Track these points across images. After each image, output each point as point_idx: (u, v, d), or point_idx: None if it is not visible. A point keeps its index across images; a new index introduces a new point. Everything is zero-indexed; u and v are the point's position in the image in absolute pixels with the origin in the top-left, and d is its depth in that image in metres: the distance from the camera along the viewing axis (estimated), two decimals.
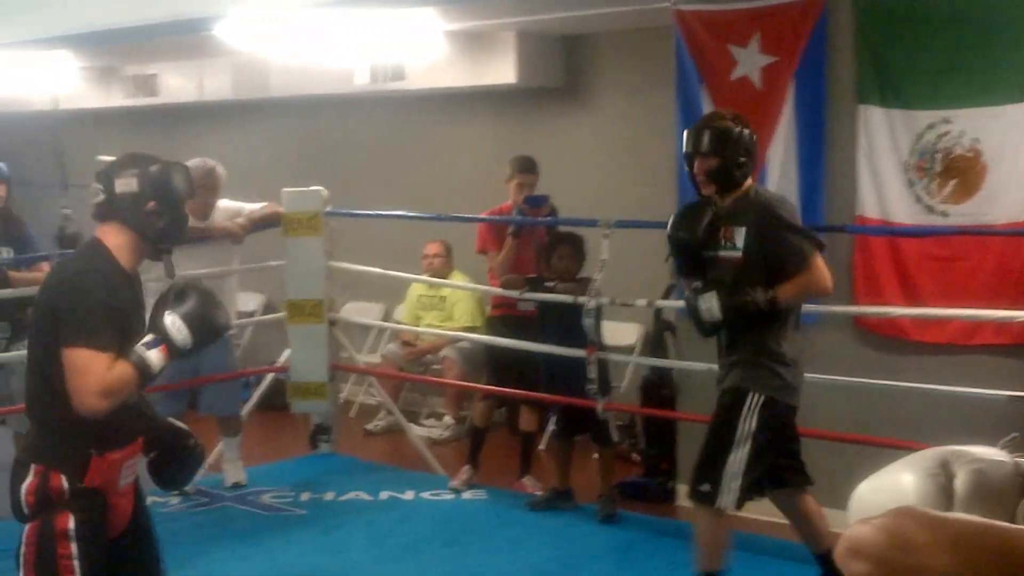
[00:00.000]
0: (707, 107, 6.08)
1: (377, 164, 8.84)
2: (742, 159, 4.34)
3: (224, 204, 6.51)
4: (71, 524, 3.23)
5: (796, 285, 4.25)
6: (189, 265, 6.32)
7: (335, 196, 6.96)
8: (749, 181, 4.42)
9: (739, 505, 4.33)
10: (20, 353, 6.17)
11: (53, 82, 9.52)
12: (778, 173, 5.96)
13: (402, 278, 7.65)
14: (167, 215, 3.38)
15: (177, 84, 9.39)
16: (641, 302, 6.11)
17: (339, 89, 8.29)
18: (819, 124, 5.88)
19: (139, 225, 3.36)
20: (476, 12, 6.92)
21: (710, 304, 4.26)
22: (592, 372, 5.79)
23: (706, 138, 4.33)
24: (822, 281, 4.28)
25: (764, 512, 5.18)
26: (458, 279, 7.86)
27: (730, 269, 4.33)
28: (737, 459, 4.25)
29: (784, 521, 4.85)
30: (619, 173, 7.63)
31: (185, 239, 3.72)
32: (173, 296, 3.35)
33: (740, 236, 4.31)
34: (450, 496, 6.40)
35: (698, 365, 6.02)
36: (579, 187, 7.50)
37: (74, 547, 3.23)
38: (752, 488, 4.35)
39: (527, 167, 6.49)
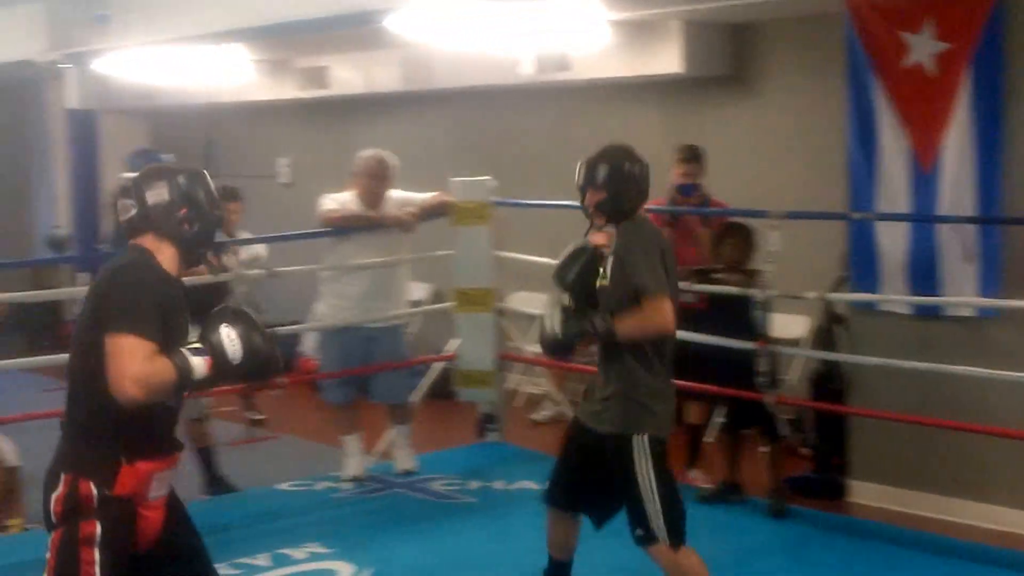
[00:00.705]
0: (879, 94, 5.97)
1: (541, 154, 8.86)
2: (629, 192, 4.34)
3: (395, 194, 6.62)
4: (96, 531, 3.21)
5: (635, 320, 4.19)
6: (361, 254, 6.48)
7: (501, 186, 7.02)
8: (640, 213, 4.41)
9: (681, 538, 4.27)
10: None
11: (221, 75, 9.75)
12: (955, 164, 5.81)
13: None
14: (199, 220, 3.42)
15: (347, 76, 9.57)
16: (810, 294, 6.03)
17: (504, 80, 8.35)
18: (997, 113, 5.70)
19: (174, 233, 3.39)
20: (642, 1, 6.89)
21: (553, 320, 4.33)
22: (762, 365, 5.73)
23: (596, 172, 4.35)
24: (658, 319, 4.18)
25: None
26: None
27: (605, 299, 4.31)
28: (656, 503, 4.23)
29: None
30: (788, 163, 7.52)
31: (213, 247, 3.66)
32: (231, 312, 3.35)
33: (608, 266, 4.31)
34: None
35: (869, 359, 5.92)
36: (746, 177, 7.41)
37: (97, 554, 3.21)
38: (681, 517, 4.31)
39: (685, 155, 6.47)
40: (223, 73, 9.59)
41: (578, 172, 4.41)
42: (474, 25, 7.04)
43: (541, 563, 4.85)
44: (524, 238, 7.26)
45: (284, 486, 6.61)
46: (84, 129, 6.12)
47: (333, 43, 8.95)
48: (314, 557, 5.46)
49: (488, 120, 9.26)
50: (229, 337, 3.25)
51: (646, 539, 4.26)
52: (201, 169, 3.56)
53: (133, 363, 3.12)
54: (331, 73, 9.65)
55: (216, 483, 6.60)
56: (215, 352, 3.23)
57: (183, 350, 3.20)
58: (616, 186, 4.31)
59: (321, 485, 6.59)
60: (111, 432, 3.24)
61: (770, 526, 5.81)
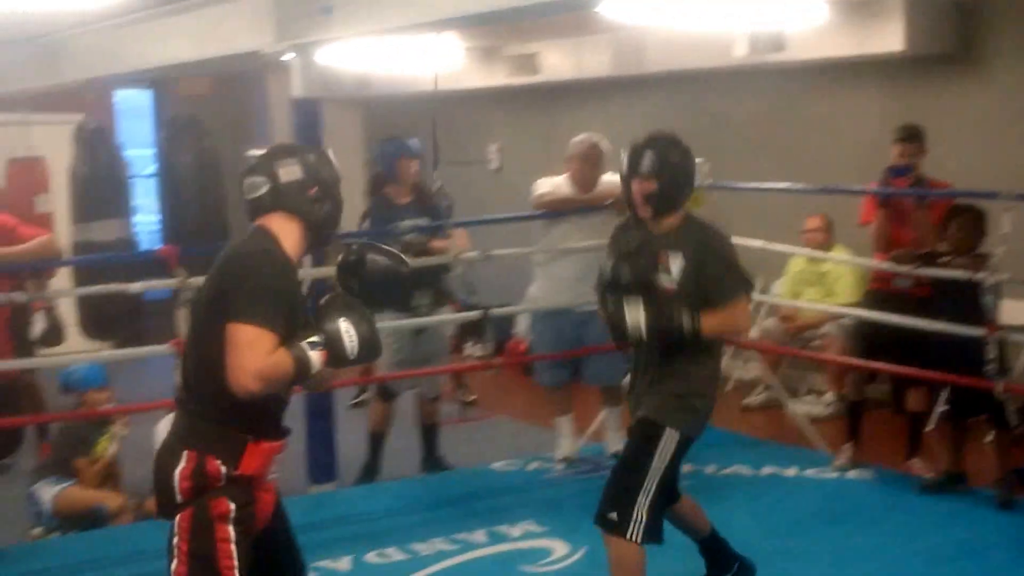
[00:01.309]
0: None
1: (755, 137, 8.73)
2: (681, 184, 4.21)
3: (607, 178, 6.62)
4: (230, 508, 3.14)
5: (720, 319, 4.12)
6: (574, 237, 6.51)
7: (714, 170, 6.94)
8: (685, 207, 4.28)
9: (650, 537, 4.15)
10: (441, 318, 6.58)
11: (436, 63, 9.91)
12: None
13: (782, 252, 7.54)
14: (329, 200, 3.34)
15: (556, 62, 9.61)
16: None
17: (717, 62, 8.24)
18: None
19: (305, 212, 3.30)
20: None
21: (638, 318, 4.07)
22: (991, 352, 5.53)
23: (645, 160, 4.17)
24: (743, 321, 4.28)
25: None
26: (840, 254, 7.67)
27: (668, 300, 4.13)
28: (648, 495, 4.12)
29: None
30: (1018, 144, 7.21)
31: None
32: (343, 303, 3.25)
33: (676, 265, 4.14)
34: (834, 474, 6.28)
35: None
36: (973, 159, 7.15)
37: (232, 531, 3.14)
38: (659, 516, 4.19)
39: (900, 135, 6.29)
40: (436, 61, 9.74)
41: (623, 160, 4.24)
42: (688, 6, 6.97)
43: (756, 548, 4.80)
44: (736, 222, 7.15)
45: (497, 466, 6.71)
46: (308, 117, 6.29)
47: (543, 29, 8.99)
48: (529, 535, 5.53)
49: (700, 103, 9.16)
50: (348, 332, 3.16)
51: (615, 525, 4.15)
52: (325, 149, 3.50)
53: (255, 357, 3.05)
54: (541, 59, 9.71)
55: (434, 461, 6.74)
56: (333, 346, 3.15)
57: (302, 344, 3.11)
58: (668, 176, 4.16)
59: (533, 465, 6.67)
60: (237, 411, 3.16)
61: (997, 518, 5.60)
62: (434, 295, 6.55)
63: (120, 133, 11.01)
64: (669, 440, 4.14)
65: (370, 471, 6.60)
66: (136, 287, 5.96)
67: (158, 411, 6.35)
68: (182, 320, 5.63)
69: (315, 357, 3.11)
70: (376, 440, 6.63)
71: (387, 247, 3.51)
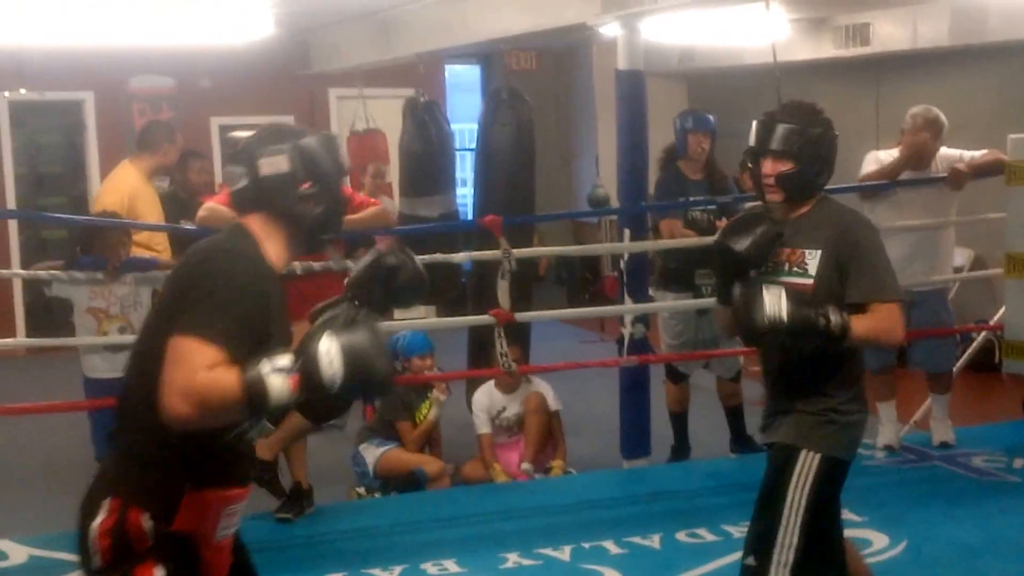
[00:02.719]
0: None
1: None
2: (821, 165, 3.54)
3: (943, 152, 6.27)
4: None
5: (874, 322, 3.36)
6: (902, 215, 6.21)
7: None
8: (822, 193, 3.59)
9: None
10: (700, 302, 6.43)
11: (768, 35, 9.69)
12: None
13: None
14: (325, 198, 2.78)
15: (889, 32, 9.22)
16: None
17: None
18: None
19: (292, 212, 2.75)
20: None
21: (778, 300, 3.28)
22: None
23: (779, 134, 3.51)
24: (899, 329, 3.45)
25: None
26: None
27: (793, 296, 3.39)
28: (792, 535, 3.44)
29: None
30: None
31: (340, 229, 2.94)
32: (344, 319, 2.60)
33: (813, 260, 3.46)
34: None
35: None
36: None
37: None
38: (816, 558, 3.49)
39: None
40: (767, 33, 9.54)
41: (753, 133, 3.58)
42: None
43: None
44: None
45: None
46: (633, 90, 6.25)
47: None
48: (845, 524, 5.18)
49: None
50: (329, 355, 2.46)
51: (752, 572, 3.50)
52: (333, 136, 2.96)
53: (185, 372, 2.44)
54: (873, 29, 9.34)
55: (742, 442, 6.61)
56: (306, 372, 2.46)
57: (262, 365, 2.46)
58: (808, 155, 3.50)
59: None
60: (172, 449, 2.56)
61: None
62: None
63: (450, 108, 11.39)
64: (805, 463, 3.47)
65: (679, 451, 6.55)
66: (459, 257, 6.12)
67: (478, 379, 6.53)
68: (502, 291, 5.74)
69: (278, 383, 2.45)
70: (677, 421, 6.57)
71: (406, 251, 3.05)
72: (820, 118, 3.57)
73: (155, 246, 6.16)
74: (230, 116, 10.80)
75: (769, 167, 3.52)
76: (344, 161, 2.89)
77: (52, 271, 5.46)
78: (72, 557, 4.29)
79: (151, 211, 6.31)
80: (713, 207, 6.34)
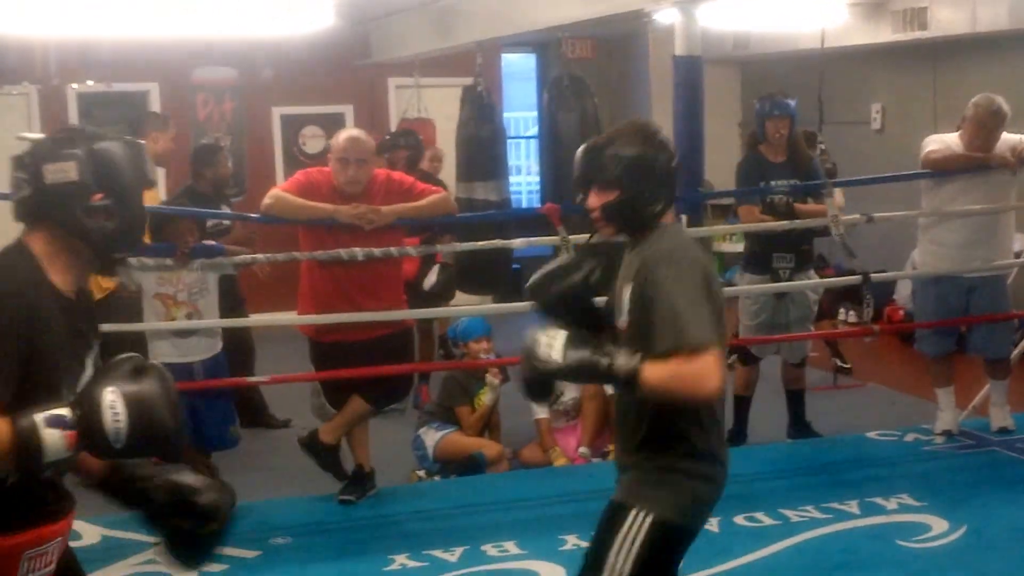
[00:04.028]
0: None
1: None
2: (653, 193, 3.04)
3: (1005, 137, 6.23)
4: None
5: (671, 370, 2.79)
6: (963, 199, 6.19)
7: None
8: (665, 220, 3.09)
9: None
10: (803, 283, 6.44)
11: (822, 20, 9.66)
12: None
13: None
14: (120, 212, 2.47)
15: (947, 16, 9.12)
16: None
17: None
18: None
19: (80, 227, 2.44)
20: None
21: (554, 343, 2.86)
22: None
23: (599, 162, 3.06)
24: (707, 381, 2.79)
25: None
26: None
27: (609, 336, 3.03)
28: None
29: None
30: None
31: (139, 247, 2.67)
32: (131, 368, 2.35)
33: (627, 298, 3.01)
34: None
35: None
36: None
37: None
38: None
39: None
40: (821, 18, 9.50)
41: (576, 162, 3.14)
42: None
43: None
44: None
45: (871, 435, 6.53)
46: (690, 76, 6.27)
47: None
48: (904, 508, 5.35)
49: None
50: (113, 408, 2.25)
51: None
52: (135, 140, 2.61)
53: None
54: (931, 13, 9.25)
55: (801, 427, 6.63)
56: (86, 426, 2.25)
57: (37, 416, 2.23)
58: (634, 183, 3.02)
59: (910, 437, 6.43)
60: None
61: None
62: (799, 258, 6.39)
63: (504, 97, 11.43)
64: (636, 526, 2.99)
65: (736, 435, 6.57)
66: (518, 243, 6.18)
67: None
68: None
69: (53, 438, 2.22)
70: (740, 404, 6.59)
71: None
72: (652, 139, 3.10)
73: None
74: (291, 106, 10.96)
75: (593, 199, 3.09)
76: (149, 171, 2.58)
77: None
78: (145, 537, 4.48)
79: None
80: (789, 190, 6.38)
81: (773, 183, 6.35)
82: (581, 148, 3.14)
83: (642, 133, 3.11)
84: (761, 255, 6.41)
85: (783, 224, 6.24)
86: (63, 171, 2.43)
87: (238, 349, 6.42)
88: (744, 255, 6.76)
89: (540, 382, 2.96)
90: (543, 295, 3.18)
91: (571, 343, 2.85)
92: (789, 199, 6.35)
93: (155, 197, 6.47)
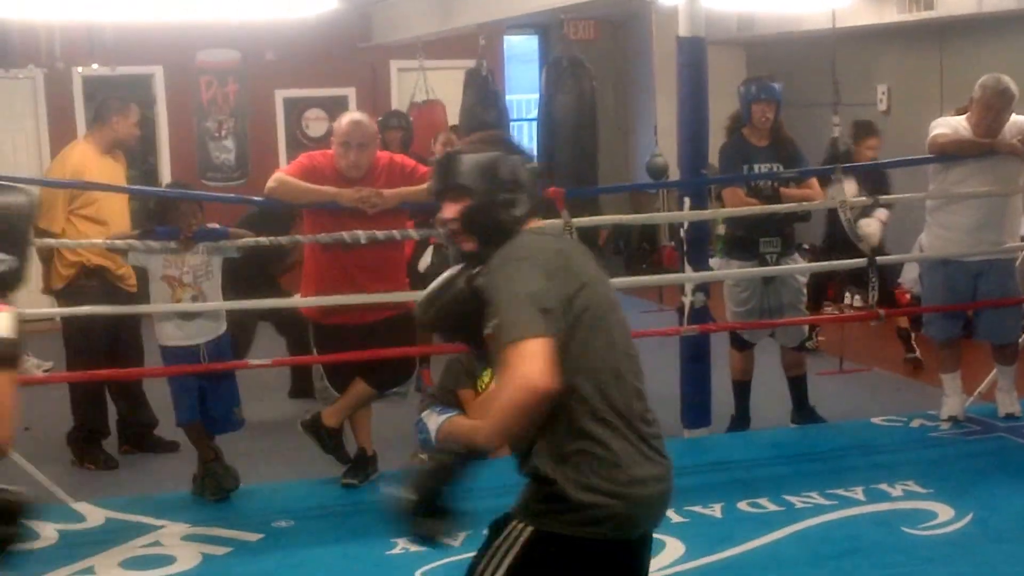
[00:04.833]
0: None
1: None
2: (508, 196, 2.83)
3: (1014, 119, 6.18)
4: None
5: (481, 403, 2.75)
6: (971, 183, 6.14)
7: None
8: (529, 225, 2.88)
9: None
10: (789, 267, 6.40)
11: (829, 1, 9.59)
12: None
13: None
14: (10, 253, 2.38)
15: None
16: None
17: None
18: None
19: None
20: None
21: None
22: None
23: (451, 170, 2.86)
24: (526, 373, 2.58)
25: None
26: None
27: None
28: None
29: None
30: None
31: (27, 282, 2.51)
32: None
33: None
34: None
35: None
36: None
37: None
38: None
39: None
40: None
41: (432, 175, 2.96)
42: None
43: None
44: None
45: (877, 420, 6.49)
46: (694, 57, 6.22)
47: None
48: (910, 495, 5.32)
49: None
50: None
51: None
52: (21, 188, 2.53)
53: None
54: None
55: (804, 412, 6.60)
56: None
57: None
58: (484, 187, 2.82)
59: (916, 423, 6.40)
60: None
61: None
62: (784, 242, 6.35)
63: (506, 79, 11.39)
64: (512, 536, 2.84)
65: (739, 420, 6.55)
66: None
67: None
68: None
69: None
70: (739, 389, 6.56)
71: None
72: (501, 143, 2.94)
73: (105, 219, 6.14)
74: (294, 88, 10.95)
75: (448, 210, 2.88)
76: (34, 211, 2.46)
77: (128, 240, 5.56)
78: (148, 519, 4.46)
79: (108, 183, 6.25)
80: (775, 174, 6.33)
81: (757, 167, 6.31)
82: (436, 160, 2.97)
83: (492, 139, 2.98)
84: (747, 240, 6.36)
85: (776, 207, 6.18)
86: None
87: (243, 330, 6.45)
88: (727, 240, 6.70)
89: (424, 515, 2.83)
90: (426, 318, 2.98)
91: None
92: (774, 183, 6.32)
93: (120, 175, 6.46)
